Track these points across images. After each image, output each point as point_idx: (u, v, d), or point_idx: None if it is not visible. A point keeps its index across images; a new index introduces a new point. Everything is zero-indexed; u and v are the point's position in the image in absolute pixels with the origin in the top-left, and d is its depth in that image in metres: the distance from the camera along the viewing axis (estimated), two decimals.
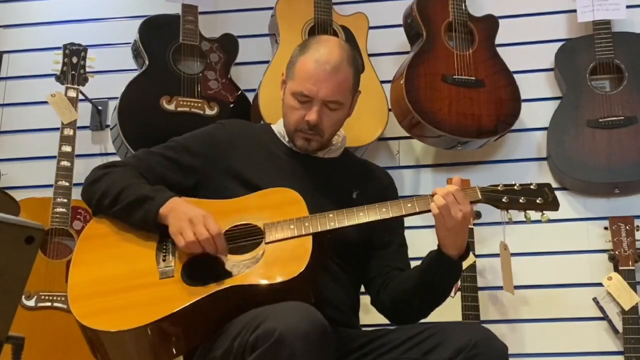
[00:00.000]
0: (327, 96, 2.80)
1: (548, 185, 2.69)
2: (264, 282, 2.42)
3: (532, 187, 2.66)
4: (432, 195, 2.58)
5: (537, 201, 2.63)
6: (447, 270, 2.66)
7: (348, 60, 2.84)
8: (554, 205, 2.65)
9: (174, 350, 2.46)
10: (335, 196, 2.80)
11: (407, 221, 2.78)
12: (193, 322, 2.42)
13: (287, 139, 2.92)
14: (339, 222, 2.57)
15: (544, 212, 2.66)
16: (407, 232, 2.96)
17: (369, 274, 2.88)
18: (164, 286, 2.47)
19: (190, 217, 2.52)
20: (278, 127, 2.98)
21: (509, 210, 2.65)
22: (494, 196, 2.63)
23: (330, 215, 2.57)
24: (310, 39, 3.00)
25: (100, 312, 2.43)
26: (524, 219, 2.66)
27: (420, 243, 2.98)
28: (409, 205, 2.61)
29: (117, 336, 2.39)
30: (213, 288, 2.41)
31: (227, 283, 2.41)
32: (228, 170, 2.80)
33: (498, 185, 2.65)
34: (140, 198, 2.61)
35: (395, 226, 2.89)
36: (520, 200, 2.62)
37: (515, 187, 2.65)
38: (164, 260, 2.54)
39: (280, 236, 2.54)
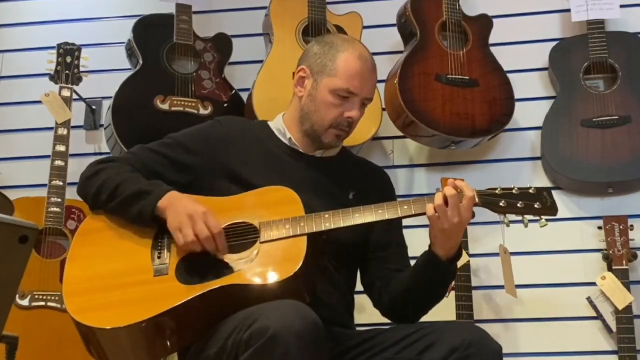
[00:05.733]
0: (368, 94, 2.86)
1: (547, 189, 2.67)
2: (257, 281, 2.43)
3: (530, 191, 2.63)
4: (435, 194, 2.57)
5: (535, 206, 2.61)
6: (435, 271, 2.65)
7: (375, 64, 2.93)
8: (553, 210, 2.63)
9: (168, 346, 2.47)
10: (332, 196, 2.80)
11: (405, 220, 2.78)
12: (186, 320, 2.42)
13: (287, 136, 2.91)
14: (334, 222, 2.56)
15: (542, 217, 2.64)
16: (405, 232, 2.96)
17: (369, 277, 2.87)
18: (157, 284, 2.47)
19: (190, 213, 2.51)
20: (276, 124, 2.97)
21: (506, 214, 2.64)
22: (491, 200, 2.61)
23: (326, 216, 2.56)
24: (330, 37, 3.06)
25: (94, 309, 2.44)
26: (520, 219, 2.64)
27: (419, 242, 2.98)
28: (405, 207, 2.59)
29: (111, 333, 2.40)
30: (207, 287, 2.41)
31: (221, 282, 2.41)
32: (224, 168, 2.79)
33: (496, 189, 2.63)
34: (137, 192, 2.60)
35: (392, 227, 2.88)
36: (518, 205, 2.60)
37: (514, 191, 2.62)
38: (158, 257, 2.54)
39: (275, 235, 2.53)
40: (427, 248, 2.67)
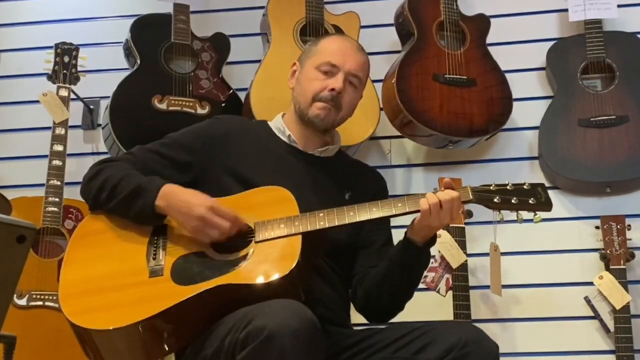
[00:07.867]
0: (352, 69, 2.89)
1: (541, 185, 2.67)
2: (253, 281, 2.43)
3: (525, 187, 2.65)
4: (425, 194, 2.59)
5: (530, 201, 2.61)
6: (411, 255, 2.68)
7: (363, 49, 3.00)
8: (547, 205, 2.64)
9: (165, 347, 2.47)
10: (329, 196, 2.82)
11: (396, 220, 2.78)
12: (183, 321, 2.43)
13: (287, 133, 2.94)
14: (329, 221, 2.57)
15: (537, 212, 2.65)
16: (395, 231, 2.97)
17: (351, 273, 2.89)
18: (153, 285, 2.48)
19: (199, 216, 2.53)
20: (275, 123, 2.99)
21: (501, 211, 2.65)
22: (485, 196, 2.62)
23: (321, 215, 2.57)
24: (318, 38, 3.09)
25: (90, 311, 2.44)
26: (516, 219, 2.65)
27: None
28: (400, 204, 2.61)
29: (107, 335, 2.40)
30: (202, 287, 2.41)
31: (216, 282, 2.42)
32: (223, 166, 2.80)
33: (490, 185, 2.64)
34: (135, 190, 2.61)
35: (379, 227, 2.91)
36: (513, 201, 2.61)
37: (508, 187, 2.64)
38: (154, 259, 2.54)
39: (270, 235, 2.54)
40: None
